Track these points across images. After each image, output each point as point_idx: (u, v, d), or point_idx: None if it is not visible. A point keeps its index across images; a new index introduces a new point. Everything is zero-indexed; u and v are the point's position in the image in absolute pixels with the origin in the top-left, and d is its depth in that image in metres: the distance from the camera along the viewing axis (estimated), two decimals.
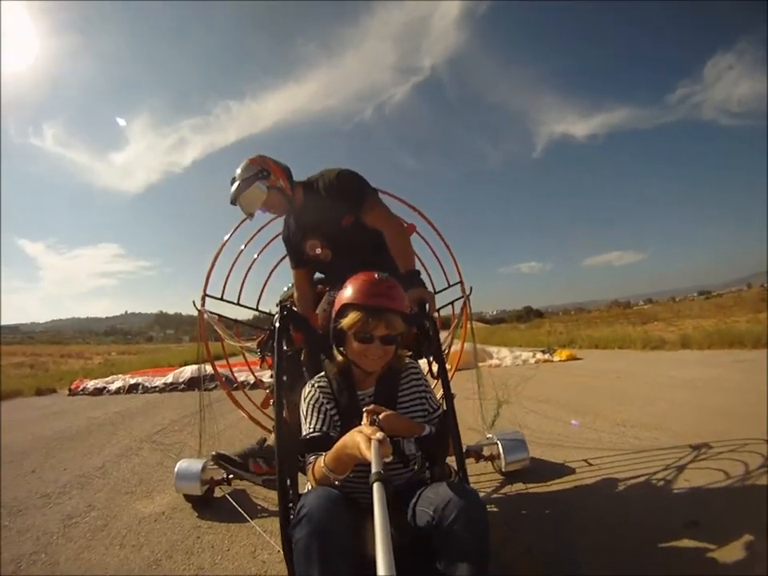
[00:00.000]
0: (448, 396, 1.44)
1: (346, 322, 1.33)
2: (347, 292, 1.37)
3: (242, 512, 2.30)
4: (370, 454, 0.88)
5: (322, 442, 1.25)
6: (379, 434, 0.94)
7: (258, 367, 3.08)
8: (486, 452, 2.73)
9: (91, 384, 9.20)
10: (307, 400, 1.39)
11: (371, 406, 1.20)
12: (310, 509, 1.04)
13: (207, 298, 2.70)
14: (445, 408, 1.45)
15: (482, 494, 2.46)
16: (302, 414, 1.39)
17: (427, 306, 1.78)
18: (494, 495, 2.51)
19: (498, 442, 2.64)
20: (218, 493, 2.66)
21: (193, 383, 8.27)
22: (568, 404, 4.92)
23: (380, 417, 1.15)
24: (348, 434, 1.07)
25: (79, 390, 9.00)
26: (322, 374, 1.47)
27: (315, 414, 1.35)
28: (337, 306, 1.39)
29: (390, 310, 1.32)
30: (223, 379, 3.13)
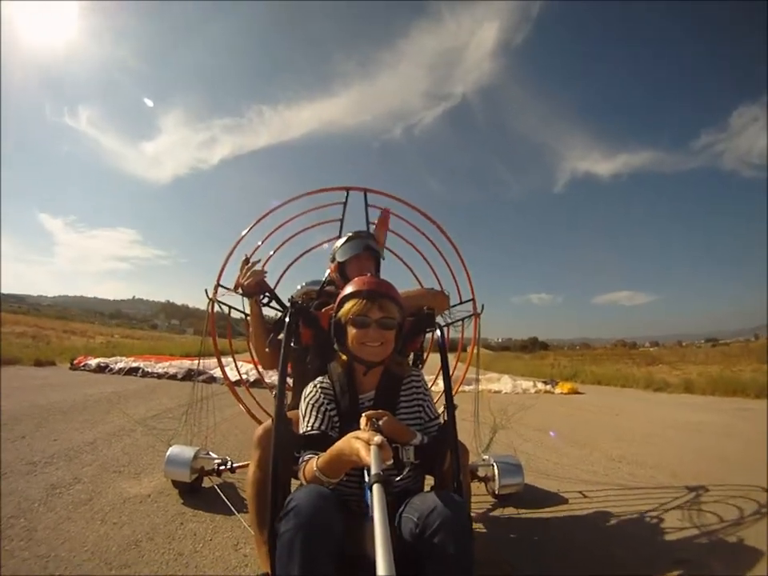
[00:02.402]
0: (450, 407, 1.42)
1: (343, 310, 1.42)
2: (345, 289, 1.47)
3: (229, 504, 2.26)
4: (370, 459, 0.88)
5: (321, 441, 1.24)
6: (378, 438, 0.93)
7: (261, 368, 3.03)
8: (480, 473, 2.68)
9: (94, 361, 9.27)
10: (308, 399, 1.39)
11: (370, 412, 1.20)
12: (299, 503, 1.03)
13: (217, 297, 2.67)
14: (445, 419, 1.43)
15: (471, 514, 2.42)
16: (301, 413, 1.39)
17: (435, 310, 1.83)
18: (485, 516, 2.45)
19: (494, 463, 2.60)
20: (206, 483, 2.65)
21: (190, 374, 8.24)
22: (566, 435, 4.85)
23: (380, 422, 1.15)
24: (343, 440, 1.05)
25: (81, 365, 9.07)
26: (326, 375, 1.48)
27: (315, 413, 1.35)
28: (337, 303, 1.47)
29: (383, 294, 1.40)
30: (226, 372, 3.09)
